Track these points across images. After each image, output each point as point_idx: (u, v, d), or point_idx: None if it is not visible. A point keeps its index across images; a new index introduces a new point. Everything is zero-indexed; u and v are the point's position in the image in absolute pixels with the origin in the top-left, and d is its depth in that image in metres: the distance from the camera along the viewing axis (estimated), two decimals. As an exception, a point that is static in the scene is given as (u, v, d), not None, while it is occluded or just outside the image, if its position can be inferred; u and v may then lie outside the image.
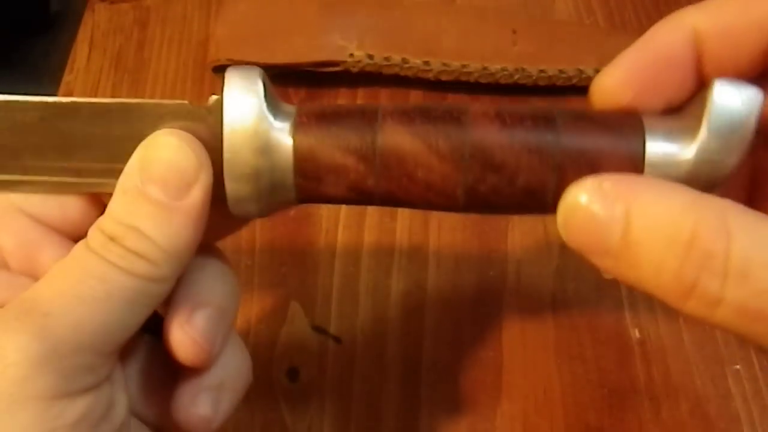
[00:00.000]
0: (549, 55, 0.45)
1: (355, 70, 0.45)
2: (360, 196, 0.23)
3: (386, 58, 0.45)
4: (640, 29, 0.50)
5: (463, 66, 0.45)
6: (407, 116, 0.23)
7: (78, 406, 0.20)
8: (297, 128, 0.23)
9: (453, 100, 0.46)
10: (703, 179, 0.21)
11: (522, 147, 0.22)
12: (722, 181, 0.21)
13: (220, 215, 0.24)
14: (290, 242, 0.40)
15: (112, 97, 0.47)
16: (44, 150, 0.24)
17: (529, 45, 0.46)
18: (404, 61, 0.45)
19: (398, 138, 0.22)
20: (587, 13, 0.50)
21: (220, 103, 0.23)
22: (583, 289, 0.39)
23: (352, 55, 0.44)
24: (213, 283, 0.25)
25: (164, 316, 0.24)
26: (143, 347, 0.26)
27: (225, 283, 0.25)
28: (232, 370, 0.25)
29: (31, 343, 0.20)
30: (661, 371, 0.36)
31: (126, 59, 0.49)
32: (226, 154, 0.22)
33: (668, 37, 0.21)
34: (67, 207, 0.25)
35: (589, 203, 0.20)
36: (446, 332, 0.38)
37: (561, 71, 0.45)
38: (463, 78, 0.45)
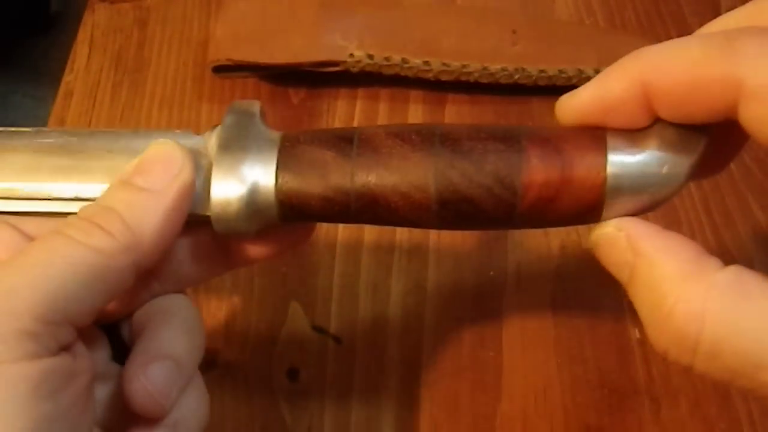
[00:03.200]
0: (549, 55, 0.45)
1: (355, 70, 0.45)
2: (338, 195, 0.25)
3: (386, 58, 0.45)
4: (640, 29, 0.50)
5: (463, 66, 0.45)
6: (383, 126, 0.25)
7: (23, 371, 0.20)
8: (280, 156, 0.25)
9: (453, 100, 0.46)
10: (650, 189, 0.23)
11: (488, 136, 0.24)
12: (670, 193, 0.23)
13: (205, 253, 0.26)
14: (290, 242, 0.40)
15: (112, 97, 0.47)
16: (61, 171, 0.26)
17: (529, 45, 0.46)
18: (404, 61, 0.45)
19: (372, 131, 0.25)
20: (587, 13, 0.50)
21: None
22: (583, 289, 0.39)
23: (352, 55, 0.44)
24: (177, 336, 0.25)
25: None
26: (113, 375, 0.26)
27: (190, 336, 0.26)
28: (188, 411, 0.25)
29: None
30: (661, 371, 0.36)
31: (126, 59, 0.49)
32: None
33: (618, 86, 0.23)
34: None
35: (607, 245, 0.23)
36: (446, 332, 0.38)
37: (561, 71, 0.45)
38: (463, 78, 0.45)
